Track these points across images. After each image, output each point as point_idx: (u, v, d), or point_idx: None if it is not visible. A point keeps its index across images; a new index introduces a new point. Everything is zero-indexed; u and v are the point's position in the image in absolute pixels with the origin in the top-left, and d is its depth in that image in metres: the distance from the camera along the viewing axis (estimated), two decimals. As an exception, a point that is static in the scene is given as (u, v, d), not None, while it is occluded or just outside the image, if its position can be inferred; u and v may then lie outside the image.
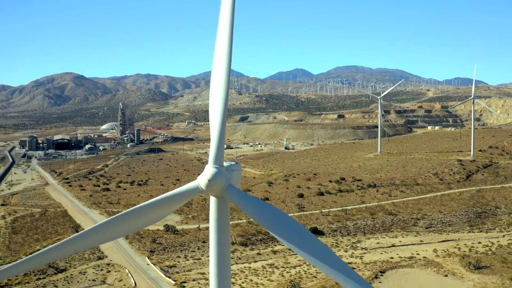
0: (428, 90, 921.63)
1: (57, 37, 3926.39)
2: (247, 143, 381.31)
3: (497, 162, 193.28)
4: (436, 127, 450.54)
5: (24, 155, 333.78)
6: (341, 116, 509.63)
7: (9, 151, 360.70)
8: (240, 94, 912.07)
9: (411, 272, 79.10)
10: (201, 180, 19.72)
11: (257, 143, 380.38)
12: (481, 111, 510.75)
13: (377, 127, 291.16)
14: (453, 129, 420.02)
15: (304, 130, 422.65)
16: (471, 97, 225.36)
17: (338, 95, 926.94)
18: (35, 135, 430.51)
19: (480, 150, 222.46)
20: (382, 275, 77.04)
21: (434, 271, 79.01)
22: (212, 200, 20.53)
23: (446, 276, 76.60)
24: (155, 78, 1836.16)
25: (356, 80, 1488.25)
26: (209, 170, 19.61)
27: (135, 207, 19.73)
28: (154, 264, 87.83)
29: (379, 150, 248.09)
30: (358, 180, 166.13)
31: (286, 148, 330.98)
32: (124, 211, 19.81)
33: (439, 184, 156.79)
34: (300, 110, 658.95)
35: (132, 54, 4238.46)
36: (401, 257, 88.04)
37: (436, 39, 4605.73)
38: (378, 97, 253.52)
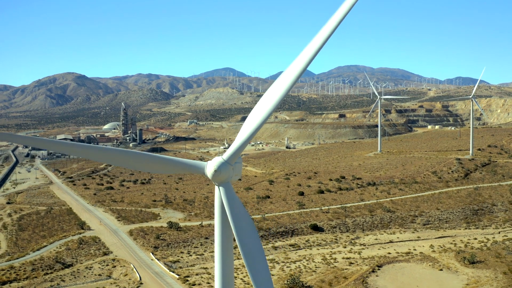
0: (429, 89, 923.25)
1: (59, 37, 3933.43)
2: (248, 142, 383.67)
3: (496, 161, 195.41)
4: (436, 126, 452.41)
5: (27, 155, 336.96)
6: (342, 116, 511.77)
7: (13, 151, 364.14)
8: (241, 94, 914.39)
9: (407, 266, 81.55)
10: (209, 166, 22.15)
11: (258, 142, 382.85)
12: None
13: (377, 126, 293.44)
14: (453, 128, 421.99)
15: (305, 130, 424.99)
16: (470, 96, 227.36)
17: (340, 95, 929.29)
18: (38, 135, 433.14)
19: (479, 149, 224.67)
20: (379, 269, 79.50)
21: (429, 265, 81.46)
22: (216, 188, 23.07)
23: (441, 270, 79.05)
24: (157, 78, 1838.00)
25: (357, 79, 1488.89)
26: (219, 161, 22.08)
27: (151, 154, 22.87)
28: (158, 260, 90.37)
29: (379, 149, 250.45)
30: (358, 179, 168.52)
31: (287, 147, 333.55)
32: (141, 152, 22.94)
33: (437, 182, 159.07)
34: (301, 109, 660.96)
35: (133, 54, 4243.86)
36: (398, 253, 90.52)
37: (437, 38, 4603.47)
38: (378, 97, 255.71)
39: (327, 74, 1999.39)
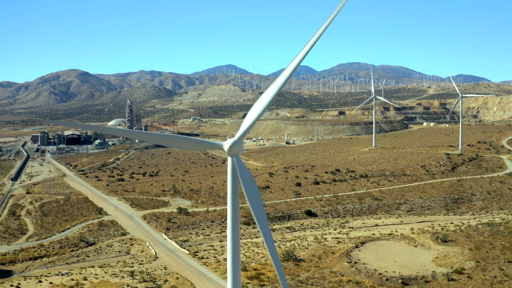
0: (429, 87, 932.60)
1: (62, 34, 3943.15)
2: (250, 138, 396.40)
3: (483, 156, 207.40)
4: (432, 123, 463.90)
5: (37, 150, 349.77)
6: (341, 113, 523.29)
7: (22, 146, 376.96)
8: (243, 91, 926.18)
9: (387, 243, 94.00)
10: (226, 143, 34.31)
11: (259, 138, 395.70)
12: (478, 108, 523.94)
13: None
14: (447, 125, 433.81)
15: (305, 126, 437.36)
16: (460, 94, 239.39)
17: (341, 92, 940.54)
18: (46, 131, 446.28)
19: (469, 145, 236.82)
20: (362, 246, 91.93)
21: (406, 243, 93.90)
22: (229, 160, 35.33)
23: (415, 246, 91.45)
24: (159, 75, 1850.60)
25: (359, 77, 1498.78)
26: (233, 140, 34.25)
27: (183, 136, 35.36)
28: (170, 239, 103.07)
29: (373, 144, 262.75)
30: (351, 171, 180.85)
31: (287, 143, 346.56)
32: (177, 135, 35.63)
33: (424, 175, 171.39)
34: (302, 106, 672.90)
35: (136, 51, 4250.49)
36: (381, 234, 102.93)
37: (439, 36, 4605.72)
38: (373, 95, 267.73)
39: (328, 71, 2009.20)
